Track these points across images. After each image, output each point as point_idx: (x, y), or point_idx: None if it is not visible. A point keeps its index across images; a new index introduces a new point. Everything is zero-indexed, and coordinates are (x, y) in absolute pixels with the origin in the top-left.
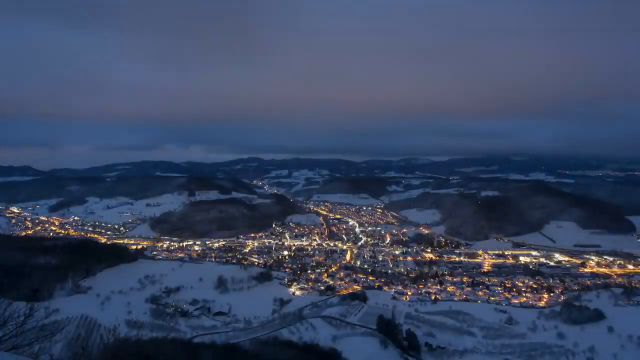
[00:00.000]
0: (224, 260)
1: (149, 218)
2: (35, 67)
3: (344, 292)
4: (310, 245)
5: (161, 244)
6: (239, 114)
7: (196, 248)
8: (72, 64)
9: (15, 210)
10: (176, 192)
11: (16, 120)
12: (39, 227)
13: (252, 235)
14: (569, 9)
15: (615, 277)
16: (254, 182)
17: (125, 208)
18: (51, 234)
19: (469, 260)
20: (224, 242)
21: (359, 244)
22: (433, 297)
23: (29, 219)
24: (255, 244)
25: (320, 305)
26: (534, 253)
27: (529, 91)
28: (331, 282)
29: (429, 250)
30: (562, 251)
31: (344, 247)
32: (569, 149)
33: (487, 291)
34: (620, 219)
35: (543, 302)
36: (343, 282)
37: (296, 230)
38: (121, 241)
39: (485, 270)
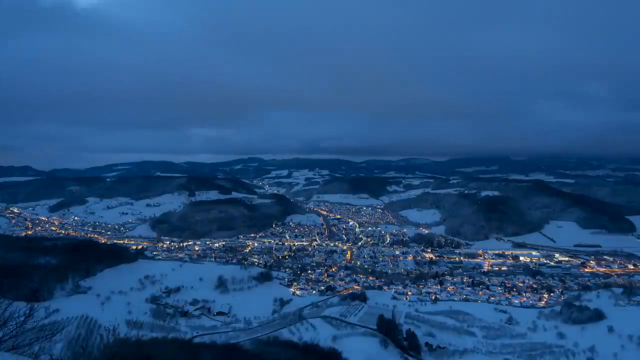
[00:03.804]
0: (224, 260)
1: (149, 218)
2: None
3: (344, 292)
4: (310, 245)
5: (161, 244)
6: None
7: (196, 248)
8: None
9: (16, 210)
10: (176, 192)
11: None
12: (39, 227)
13: (252, 235)
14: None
15: (615, 277)
16: (254, 182)
17: (125, 208)
18: (51, 234)
19: (469, 260)
20: (224, 242)
21: (359, 244)
22: (433, 297)
23: (29, 219)
24: (256, 244)
25: (321, 306)
26: (534, 253)
27: None
28: (331, 282)
29: (429, 250)
30: (562, 251)
31: (344, 247)
32: (569, 149)
33: (487, 291)
34: (620, 219)
35: (543, 302)
36: (343, 282)
37: (296, 230)
38: (121, 241)
39: (485, 270)
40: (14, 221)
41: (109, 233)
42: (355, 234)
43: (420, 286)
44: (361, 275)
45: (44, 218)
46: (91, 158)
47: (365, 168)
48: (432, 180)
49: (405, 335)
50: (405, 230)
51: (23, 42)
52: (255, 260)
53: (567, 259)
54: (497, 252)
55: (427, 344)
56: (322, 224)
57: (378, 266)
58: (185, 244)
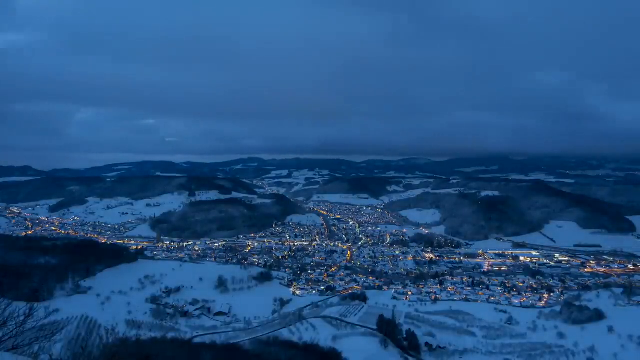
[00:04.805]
0: (224, 260)
1: (149, 218)
2: None
3: (344, 292)
4: (310, 245)
5: (161, 244)
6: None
7: (196, 248)
8: None
9: (16, 210)
10: (176, 192)
11: None
12: (39, 227)
13: (252, 235)
14: None
15: (615, 277)
16: (254, 182)
17: (125, 208)
18: (51, 234)
19: (469, 260)
20: (224, 242)
21: (359, 244)
22: (433, 297)
23: (29, 219)
24: (256, 244)
25: (321, 306)
26: (534, 253)
27: None
28: (331, 282)
29: (429, 250)
30: (562, 251)
31: (344, 247)
32: (569, 149)
33: (487, 291)
34: (620, 219)
35: (543, 302)
36: (343, 282)
37: (296, 230)
38: (121, 241)
39: (485, 270)
40: (14, 221)
41: (109, 233)
42: (355, 234)
43: (420, 286)
44: (361, 275)
45: (44, 218)
46: (91, 158)
47: (365, 168)
48: (432, 180)
49: (405, 335)
50: (405, 230)
51: None
52: (255, 260)
53: (567, 259)
54: (497, 252)
55: (427, 344)
56: (322, 224)
57: (378, 266)
58: (185, 244)
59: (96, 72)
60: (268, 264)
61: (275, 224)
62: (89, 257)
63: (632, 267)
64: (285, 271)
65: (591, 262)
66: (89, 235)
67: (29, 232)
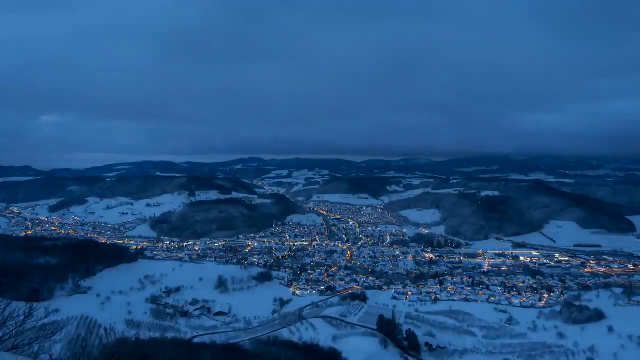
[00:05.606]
0: (224, 260)
1: (149, 218)
2: None
3: (344, 292)
4: (310, 245)
5: (161, 244)
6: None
7: (196, 248)
8: None
9: (16, 210)
10: (176, 192)
11: None
12: (39, 227)
13: (252, 235)
14: None
15: (615, 277)
16: (254, 182)
17: (125, 208)
18: (51, 234)
19: (469, 260)
20: (224, 242)
21: (359, 244)
22: (433, 297)
23: (29, 219)
24: (256, 244)
25: (321, 306)
26: (534, 253)
27: None
28: (331, 282)
29: (429, 250)
30: (562, 251)
31: (344, 247)
32: (569, 149)
33: (487, 291)
34: (620, 219)
35: (543, 302)
36: (343, 282)
37: (296, 230)
38: (121, 241)
39: (485, 270)
40: (14, 221)
41: (109, 233)
42: (355, 234)
43: (420, 286)
44: (361, 275)
45: (44, 218)
46: (91, 158)
47: (365, 168)
48: (432, 180)
49: (405, 335)
50: (405, 230)
51: None
52: (255, 260)
53: (567, 259)
54: (497, 252)
55: (427, 344)
56: (322, 224)
57: (378, 266)
58: (185, 244)
59: None
60: (268, 264)
61: (275, 224)
62: (89, 257)
63: (632, 267)
64: (285, 271)
65: (591, 262)
66: (89, 235)
67: (29, 232)
